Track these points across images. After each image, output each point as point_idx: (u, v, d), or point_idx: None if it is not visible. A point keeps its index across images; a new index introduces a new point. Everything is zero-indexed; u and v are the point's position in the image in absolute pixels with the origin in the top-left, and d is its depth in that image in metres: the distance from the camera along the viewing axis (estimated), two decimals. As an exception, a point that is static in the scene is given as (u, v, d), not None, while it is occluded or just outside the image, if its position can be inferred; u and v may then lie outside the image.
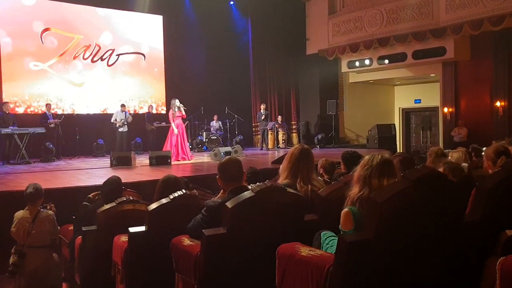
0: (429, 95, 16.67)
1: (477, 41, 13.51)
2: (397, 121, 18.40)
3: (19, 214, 4.94)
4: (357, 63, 15.95)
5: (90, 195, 5.18)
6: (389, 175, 2.68)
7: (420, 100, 17.73)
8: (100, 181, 6.79)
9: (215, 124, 15.77)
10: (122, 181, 5.01)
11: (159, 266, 3.50)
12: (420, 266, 2.48)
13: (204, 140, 15.38)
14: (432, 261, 2.51)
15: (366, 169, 2.71)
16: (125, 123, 13.53)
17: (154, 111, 15.12)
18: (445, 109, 14.48)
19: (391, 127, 16.71)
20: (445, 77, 14.40)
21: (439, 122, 15.41)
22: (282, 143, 16.12)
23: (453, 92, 14.25)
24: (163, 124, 13.80)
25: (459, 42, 13.49)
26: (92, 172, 9.59)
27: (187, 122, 13.62)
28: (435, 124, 16.92)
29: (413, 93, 17.93)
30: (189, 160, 11.69)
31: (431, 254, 2.50)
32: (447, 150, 6.96)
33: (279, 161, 8.15)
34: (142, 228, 3.60)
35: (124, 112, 13.65)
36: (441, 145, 14.26)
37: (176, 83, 15.52)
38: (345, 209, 2.67)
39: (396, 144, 16.59)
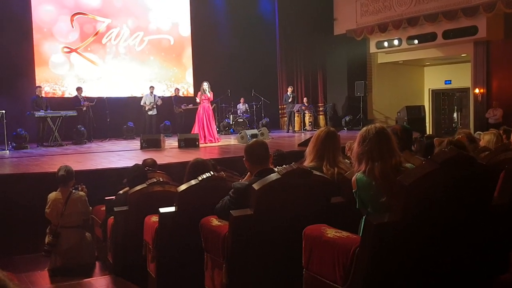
0: (459, 76, 16.29)
1: (510, 19, 13.08)
2: (426, 102, 18.07)
3: (52, 195, 5.10)
4: (385, 44, 15.67)
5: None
6: (388, 145, 2.70)
7: (450, 81, 17.35)
8: (130, 163, 6.95)
9: (241, 106, 15.80)
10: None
11: (189, 245, 3.57)
12: (447, 248, 2.49)
13: (231, 123, 15.45)
14: (459, 244, 2.51)
15: (366, 144, 2.71)
16: (154, 106, 13.71)
17: (181, 94, 15.21)
18: (476, 90, 14.14)
19: (421, 108, 16.42)
20: (477, 57, 14.02)
21: (470, 103, 15.07)
22: (309, 125, 16.07)
23: (484, 73, 13.89)
24: (191, 106, 13.91)
25: (492, 20, 13.09)
26: (123, 154, 9.79)
27: (214, 105, 13.69)
28: (466, 106, 16.56)
29: (443, 74, 17.54)
30: (216, 142, 11.79)
31: (458, 237, 2.50)
32: (478, 132, 6.85)
33: (305, 143, 8.16)
34: (172, 209, 3.68)
35: (153, 95, 13.83)
36: (471, 126, 13.98)
37: (203, 66, 15.56)
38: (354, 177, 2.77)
39: (425, 126, 16.31)
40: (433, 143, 4.57)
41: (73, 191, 5.15)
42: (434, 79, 18.05)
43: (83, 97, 12.88)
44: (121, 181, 5.30)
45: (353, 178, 2.76)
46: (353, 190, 2.76)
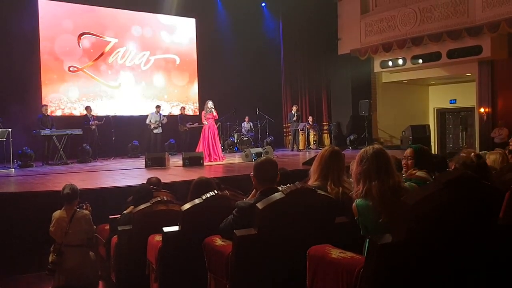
0: (464, 95, 16.30)
1: (514, 39, 13.14)
2: (431, 122, 18.05)
3: (57, 214, 5.09)
4: (390, 63, 15.74)
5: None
6: (385, 165, 2.73)
7: (455, 100, 17.36)
8: (134, 181, 6.96)
9: (246, 125, 15.85)
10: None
11: (192, 265, 3.56)
12: (452, 269, 2.46)
13: (235, 141, 15.49)
14: (464, 264, 2.48)
15: (364, 164, 2.74)
16: (160, 124, 13.78)
17: (188, 113, 15.31)
18: (481, 110, 14.13)
19: (426, 128, 16.40)
20: (481, 77, 14.03)
21: (475, 122, 15.05)
22: (313, 144, 16.07)
23: (489, 92, 13.88)
24: (196, 125, 13.98)
25: (496, 40, 13.14)
26: (127, 172, 9.79)
27: (218, 123, 13.75)
28: (471, 125, 16.52)
29: (448, 93, 17.55)
30: (220, 161, 11.80)
31: (463, 258, 2.48)
32: (483, 152, 6.81)
33: (309, 162, 8.14)
34: (175, 228, 3.67)
35: (159, 114, 13.92)
36: (477, 146, 13.93)
37: (208, 85, 15.71)
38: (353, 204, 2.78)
39: (430, 146, 16.27)
40: (441, 160, 4.55)
41: (78, 209, 5.15)
42: (439, 98, 18.06)
43: (92, 115, 12.99)
44: (125, 200, 5.29)
45: (353, 205, 2.77)
46: (355, 218, 2.76)
